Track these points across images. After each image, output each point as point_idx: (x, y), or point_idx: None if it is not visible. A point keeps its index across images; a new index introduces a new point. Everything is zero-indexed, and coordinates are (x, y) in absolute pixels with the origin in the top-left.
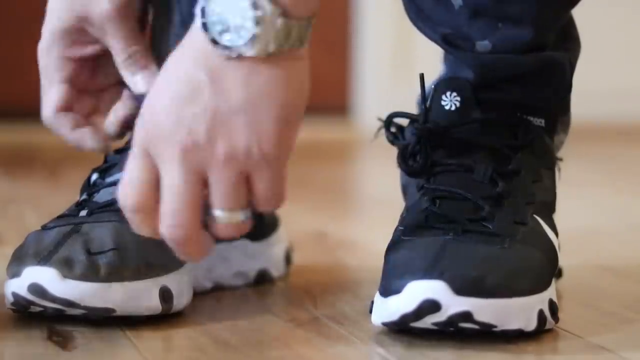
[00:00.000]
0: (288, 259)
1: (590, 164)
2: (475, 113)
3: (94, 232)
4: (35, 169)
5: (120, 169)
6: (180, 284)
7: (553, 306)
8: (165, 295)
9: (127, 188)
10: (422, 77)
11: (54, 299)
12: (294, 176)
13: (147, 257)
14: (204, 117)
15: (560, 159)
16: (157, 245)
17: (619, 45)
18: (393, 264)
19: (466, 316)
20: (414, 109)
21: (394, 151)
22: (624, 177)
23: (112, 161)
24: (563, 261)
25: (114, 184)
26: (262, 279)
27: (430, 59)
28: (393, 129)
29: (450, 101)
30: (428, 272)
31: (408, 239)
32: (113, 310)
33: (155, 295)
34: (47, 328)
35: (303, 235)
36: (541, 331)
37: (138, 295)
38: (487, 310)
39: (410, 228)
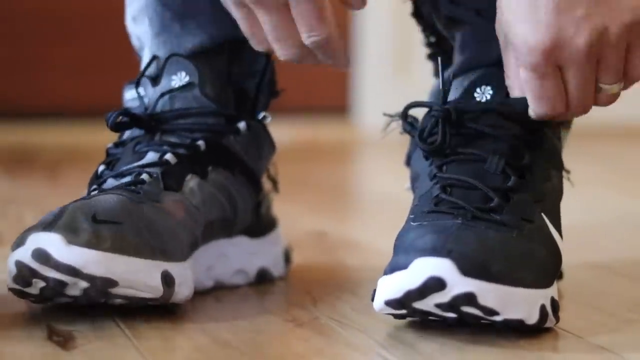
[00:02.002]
0: (287, 259)
1: (590, 164)
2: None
3: (99, 201)
4: (35, 169)
5: (125, 162)
6: (182, 275)
7: (555, 304)
8: (167, 279)
9: (547, 104)
10: (438, 61)
11: (57, 265)
12: (294, 176)
13: (149, 240)
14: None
15: (568, 171)
16: (160, 231)
17: None
18: (401, 245)
19: (470, 298)
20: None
21: (394, 151)
22: (624, 176)
23: (115, 154)
24: (563, 261)
25: (120, 174)
26: (263, 278)
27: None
28: (409, 120)
29: (482, 94)
30: (436, 250)
31: (417, 224)
32: (115, 283)
33: (157, 277)
34: (47, 328)
35: (303, 235)
36: (542, 330)
37: (140, 271)
38: (491, 294)
39: (419, 214)
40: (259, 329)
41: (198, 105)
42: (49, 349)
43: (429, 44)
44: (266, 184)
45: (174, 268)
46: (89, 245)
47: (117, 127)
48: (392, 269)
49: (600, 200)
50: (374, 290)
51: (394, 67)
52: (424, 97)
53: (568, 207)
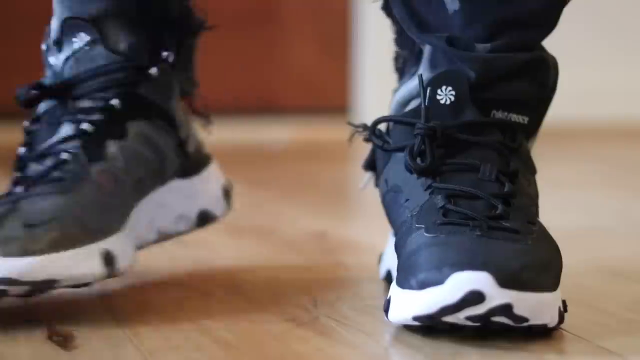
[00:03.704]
0: (227, 196)
1: (589, 164)
2: (469, 109)
3: (31, 206)
4: None
5: (42, 139)
6: (121, 245)
7: (564, 304)
8: (108, 258)
9: None
10: (421, 77)
11: None
12: (294, 176)
13: (85, 223)
14: None
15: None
16: (96, 209)
17: (618, 45)
18: (424, 258)
19: (507, 308)
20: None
21: None
22: (623, 177)
23: (32, 132)
24: (563, 261)
25: (41, 155)
26: (205, 220)
27: None
28: (378, 133)
29: (445, 95)
30: (471, 264)
31: (433, 235)
32: (56, 282)
33: (97, 261)
34: (47, 328)
35: (303, 235)
36: (543, 331)
37: (79, 263)
38: (525, 303)
39: (431, 225)
40: (259, 329)
41: (105, 62)
42: (49, 349)
43: (396, 41)
44: (195, 121)
45: (114, 242)
46: (24, 252)
47: (29, 103)
48: (422, 284)
49: (601, 200)
50: (387, 301)
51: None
52: None
53: (568, 207)
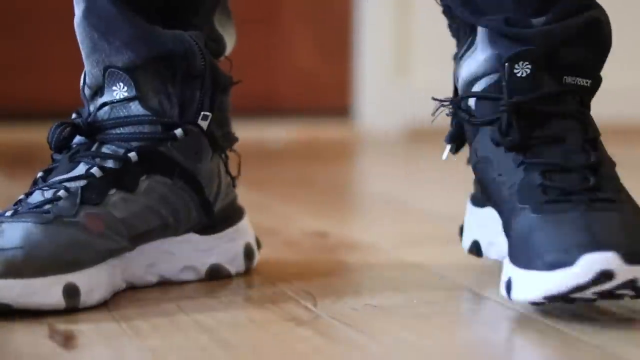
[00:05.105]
0: (249, 255)
1: None
2: (545, 78)
3: (7, 231)
4: (35, 169)
5: (59, 172)
6: (91, 282)
7: None
8: (70, 291)
9: None
10: (499, 56)
11: None
12: (295, 176)
13: (56, 254)
14: None
15: None
16: (70, 245)
17: (619, 46)
18: (543, 239)
19: (632, 283)
20: (412, 103)
21: (393, 152)
22: (622, 177)
23: (55, 161)
24: None
25: (50, 185)
26: (217, 275)
27: (429, 61)
28: (465, 107)
29: (521, 69)
30: (600, 244)
31: (539, 215)
32: (9, 306)
33: (57, 292)
34: (48, 327)
35: (303, 235)
36: (541, 329)
37: (36, 291)
38: None
39: (536, 204)
40: (259, 328)
41: (135, 114)
42: (50, 348)
43: (445, 14)
44: (226, 179)
45: (81, 277)
46: None
47: (60, 145)
48: (551, 265)
49: None
50: (508, 282)
51: (394, 69)
52: (425, 97)
53: None
